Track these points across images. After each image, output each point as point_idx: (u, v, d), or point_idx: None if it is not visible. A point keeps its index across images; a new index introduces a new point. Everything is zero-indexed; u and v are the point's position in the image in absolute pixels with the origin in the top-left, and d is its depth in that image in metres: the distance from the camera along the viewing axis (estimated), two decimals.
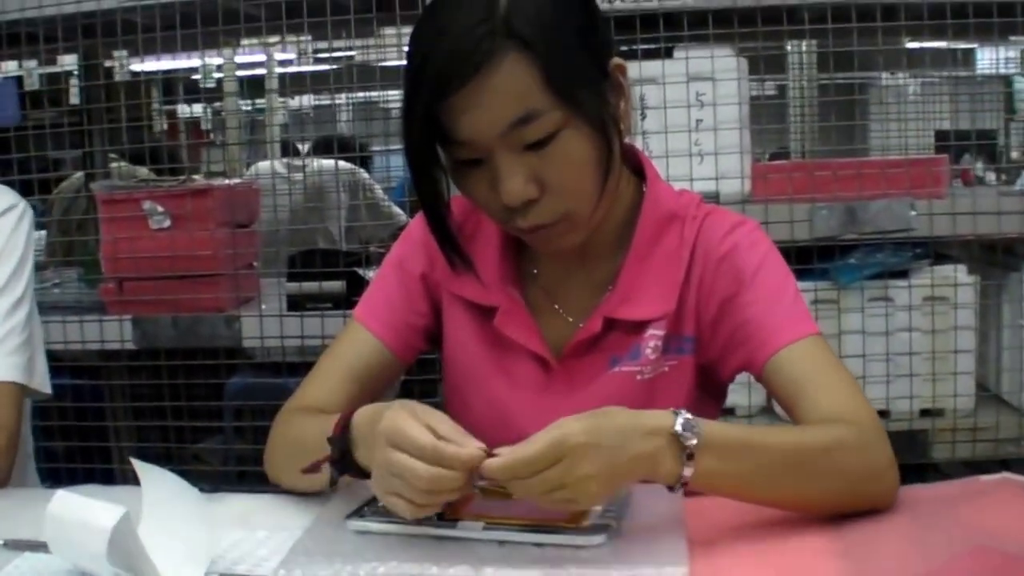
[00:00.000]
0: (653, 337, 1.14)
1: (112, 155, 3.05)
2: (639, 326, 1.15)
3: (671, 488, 0.93)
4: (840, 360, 1.13)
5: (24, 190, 1.80)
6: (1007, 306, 2.39)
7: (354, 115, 4.29)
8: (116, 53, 2.59)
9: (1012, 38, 3.61)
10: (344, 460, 1.00)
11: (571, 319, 1.18)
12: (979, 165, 4.13)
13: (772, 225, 2.04)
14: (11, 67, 2.73)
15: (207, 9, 2.34)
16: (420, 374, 2.05)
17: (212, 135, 4.59)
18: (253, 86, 4.54)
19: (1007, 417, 2.33)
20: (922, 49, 2.83)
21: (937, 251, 2.36)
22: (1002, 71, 4.63)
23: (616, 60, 1.08)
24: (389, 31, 2.61)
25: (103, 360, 2.57)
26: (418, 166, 1.06)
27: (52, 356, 1.62)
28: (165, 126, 4.00)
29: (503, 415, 1.18)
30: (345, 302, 2.28)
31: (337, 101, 3.50)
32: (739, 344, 1.12)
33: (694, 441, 0.90)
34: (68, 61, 2.66)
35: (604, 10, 1.72)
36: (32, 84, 2.63)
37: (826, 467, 0.96)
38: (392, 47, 2.61)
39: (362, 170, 4.00)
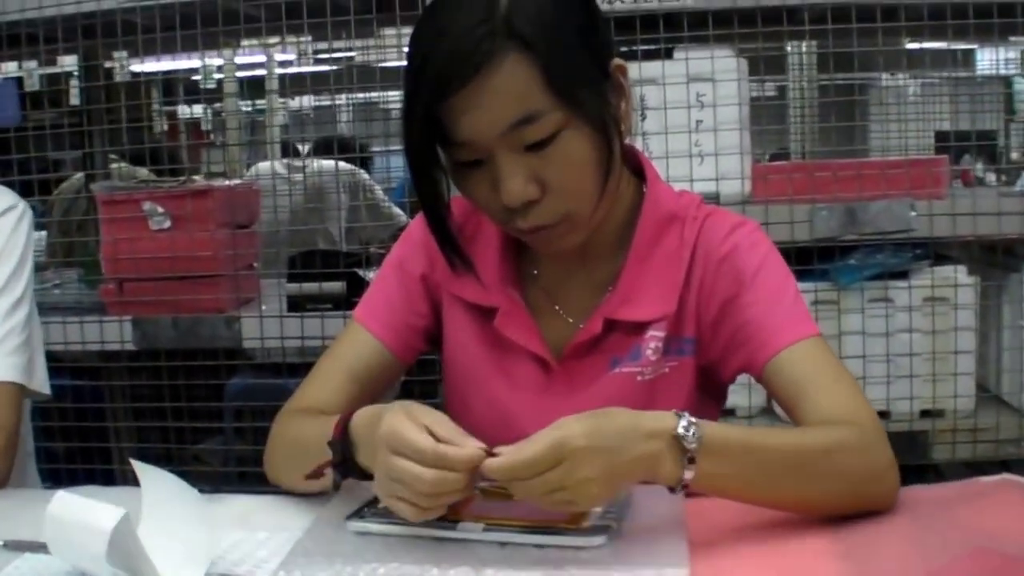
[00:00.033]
0: (653, 338, 1.14)
1: (112, 156, 3.05)
2: (639, 327, 1.15)
3: (672, 490, 0.93)
4: (840, 361, 1.13)
5: (24, 191, 1.81)
6: (1007, 307, 2.39)
7: (354, 116, 4.29)
8: (116, 54, 2.59)
9: (1012, 39, 3.61)
10: (346, 463, 1.00)
11: (571, 320, 1.18)
12: (979, 166, 4.13)
13: (772, 226, 2.04)
14: (11, 68, 2.73)
15: (207, 10, 2.34)
16: (420, 375, 2.05)
17: (212, 136, 4.59)
18: (253, 87, 4.55)
19: (1007, 418, 2.33)
20: (922, 50, 2.83)
21: (937, 252, 2.36)
22: (1002, 72, 4.64)
23: (617, 60, 1.08)
24: (389, 32, 2.61)
25: (103, 361, 2.57)
26: (418, 167, 1.06)
27: (52, 357, 1.62)
28: (165, 127, 4.00)
29: (503, 416, 1.18)
30: (345, 303, 2.28)
31: (337, 102, 3.50)
32: (739, 345, 1.12)
33: (695, 444, 0.90)
34: (68, 62, 2.66)
35: (604, 11, 1.72)
36: (32, 85, 2.63)
37: (827, 468, 0.96)
38: (392, 48, 2.61)
39: (362, 171, 4.00)
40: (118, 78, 2.61)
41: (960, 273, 2.31)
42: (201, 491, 0.98)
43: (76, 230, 3.16)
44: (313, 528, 1.01)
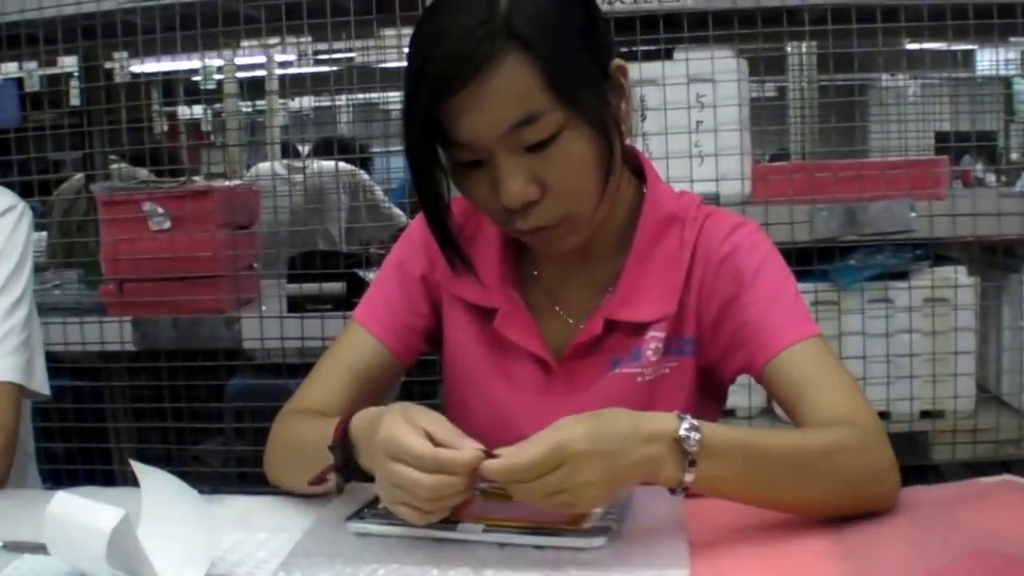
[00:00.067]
0: (654, 339, 1.14)
1: (112, 156, 3.05)
2: (640, 328, 1.14)
3: (672, 491, 0.92)
4: (841, 362, 1.13)
5: (24, 191, 1.81)
6: (1007, 307, 2.39)
7: (354, 116, 4.30)
8: (116, 54, 2.59)
9: (1012, 39, 3.61)
10: (348, 467, 1.00)
11: (571, 321, 1.18)
12: (979, 166, 4.14)
13: (772, 226, 2.04)
14: (11, 68, 2.74)
15: (207, 10, 2.34)
16: (420, 375, 2.05)
17: (212, 136, 4.60)
18: (253, 87, 4.55)
19: (1007, 419, 2.33)
20: (922, 50, 2.83)
21: (937, 252, 2.36)
22: (1002, 72, 4.64)
23: (617, 61, 1.08)
24: (389, 32, 2.61)
25: (103, 361, 2.57)
26: (418, 167, 1.06)
27: (52, 358, 1.62)
28: (165, 127, 4.01)
29: (503, 417, 1.18)
30: (345, 303, 2.28)
31: (337, 102, 3.51)
32: (739, 346, 1.12)
33: (696, 447, 0.90)
34: (68, 63, 2.67)
35: (604, 11, 1.72)
36: (32, 86, 2.63)
37: (828, 470, 0.96)
38: (392, 48, 2.61)
39: (362, 171, 4.00)
40: (118, 79, 2.61)
41: (960, 274, 2.31)
42: (201, 492, 0.98)
43: (76, 231, 3.16)
44: (313, 529, 1.01)
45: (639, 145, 2.10)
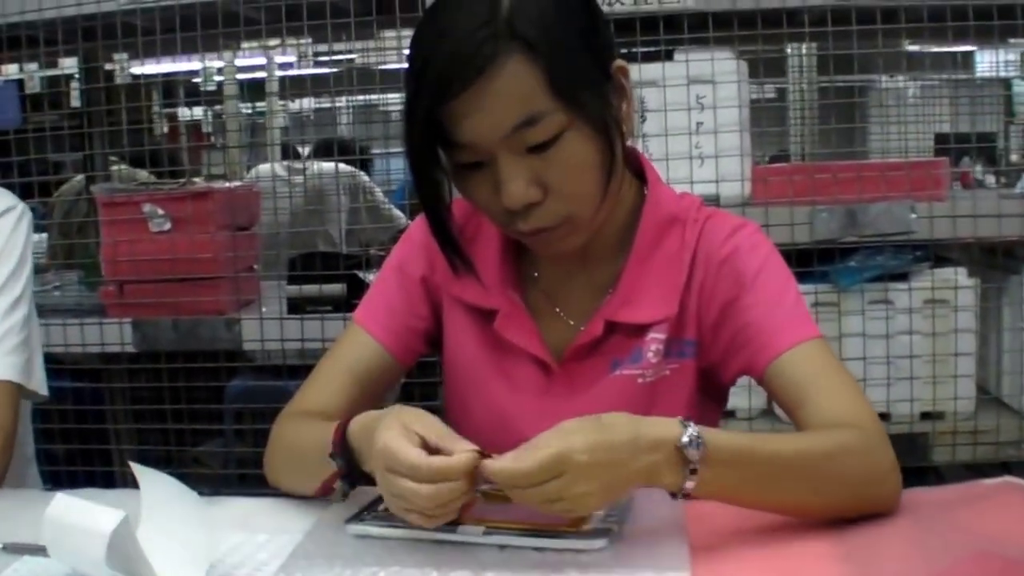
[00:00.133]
0: (654, 341, 1.14)
1: (112, 158, 3.05)
2: (640, 329, 1.14)
3: (674, 496, 0.92)
4: (842, 363, 1.13)
5: (25, 193, 1.81)
6: (1007, 309, 2.39)
7: (354, 118, 4.30)
8: (116, 56, 2.59)
9: (1012, 41, 3.61)
10: (352, 473, 1.00)
11: (572, 322, 1.18)
12: (979, 168, 4.14)
13: (772, 228, 2.04)
14: (12, 70, 2.74)
15: (207, 12, 2.33)
16: (420, 377, 2.05)
17: (212, 138, 4.60)
18: (253, 89, 4.55)
19: (1008, 420, 2.33)
20: (922, 52, 2.83)
21: (937, 254, 2.36)
22: (1002, 74, 4.64)
23: (618, 62, 1.08)
24: (389, 34, 2.61)
25: (103, 363, 2.57)
26: (419, 169, 1.06)
27: (52, 359, 1.62)
28: (166, 129, 4.01)
29: (503, 418, 1.18)
30: (345, 305, 2.28)
31: (337, 104, 3.51)
32: (740, 347, 1.12)
33: (697, 456, 0.89)
34: (69, 64, 2.67)
35: (604, 12, 1.72)
36: (33, 87, 2.63)
37: (829, 472, 0.96)
38: (392, 50, 2.61)
39: (362, 173, 4.01)
40: (118, 80, 2.61)
41: (960, 275, 2.31)
42: (201, 493, 0.98)
43: (76, 232, 3.16)
44: (313, 531, 1.01)
45: (639, 146, 2.10)
